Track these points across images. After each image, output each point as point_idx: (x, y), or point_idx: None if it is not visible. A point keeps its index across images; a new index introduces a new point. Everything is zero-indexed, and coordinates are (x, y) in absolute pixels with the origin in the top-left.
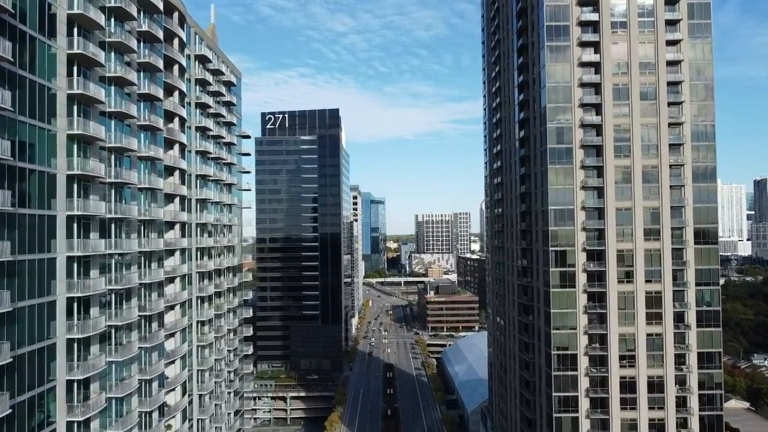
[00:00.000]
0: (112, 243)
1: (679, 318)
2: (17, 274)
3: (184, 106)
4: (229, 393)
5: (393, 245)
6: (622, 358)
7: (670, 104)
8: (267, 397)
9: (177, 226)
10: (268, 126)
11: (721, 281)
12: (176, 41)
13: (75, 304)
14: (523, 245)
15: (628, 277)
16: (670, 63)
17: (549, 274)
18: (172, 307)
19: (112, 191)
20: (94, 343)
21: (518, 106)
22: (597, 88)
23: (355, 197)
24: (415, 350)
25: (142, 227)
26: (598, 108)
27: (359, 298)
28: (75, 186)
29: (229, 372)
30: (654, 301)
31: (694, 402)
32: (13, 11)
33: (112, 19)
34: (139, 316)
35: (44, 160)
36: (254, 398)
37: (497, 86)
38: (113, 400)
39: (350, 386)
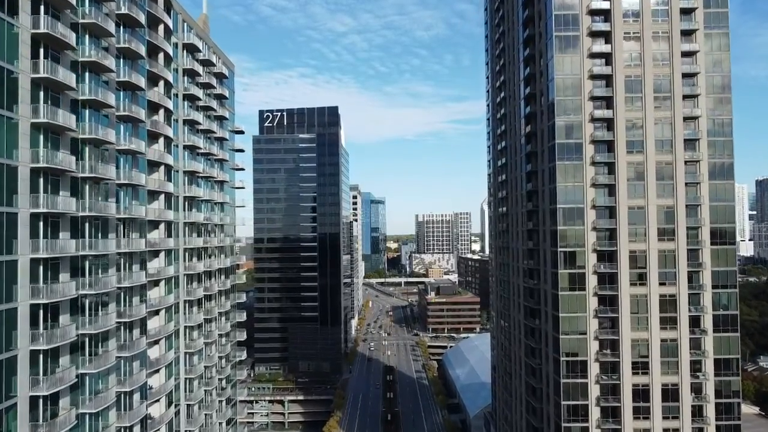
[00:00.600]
0: (86, 243)
1: (694, 322)
2: None
3: (170, 98)
4: (220, 402)
5: (393, 245)
6: (634, 364)
7: (685, 97)
8: (264, 400)
9: (162, 226)
10: (266, 124)
11: None
12: (161, 27)
13: (41, 312)
14: (530, 245)
15: (641, 279)
16: (685, 54)
17: (557, 276)
18: (156, 312)
19: (87, 187)
20: (64, 354)
21: (524, 100)
22: (608, 80)
23: (354, 197)
24: (415, 352)
25: (122, 226)
26: (609, 101)
27: (359, 299)
28: (41, 181)
29: (220, 379)
30: (668, 304)
31: (710, 411)
32: None
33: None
34: (117, 322)
35: (3, 150)
36: (251, 402)
37: (502, 80)
38: (86, 416)
39: (349, 389)
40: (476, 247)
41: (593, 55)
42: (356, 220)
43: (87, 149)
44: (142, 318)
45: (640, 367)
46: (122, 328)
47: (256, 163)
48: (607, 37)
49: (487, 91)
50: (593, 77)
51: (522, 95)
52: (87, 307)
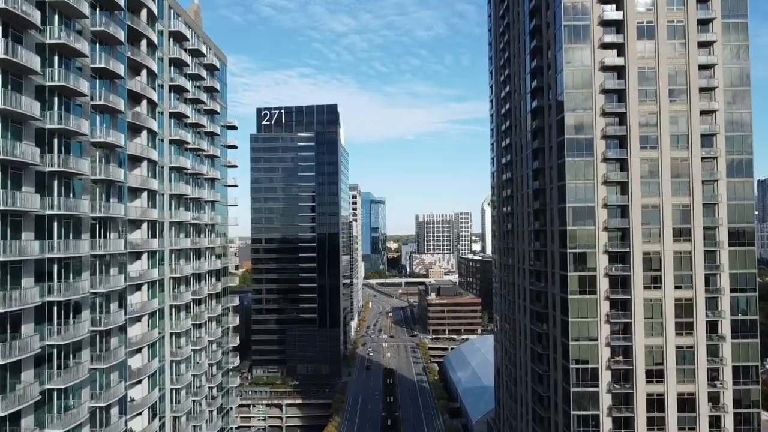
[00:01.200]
0: (53, 245)
1: (712, 328)
2: None
3: (155, 89)
4: (210, 411)
5: (393, 245)
6: (648, 372)
7: (701, 90)
8: (262, 404)
9: (145, 225)
10: (264, 122)
11: None
12: (144, 12)
13: None
14: (537, 246)
15: (655, 282)
16: (701, 44)
17: (566, 279)
18: (138, 319)
19: (55, 182)
20: (27, 369)
21: (530, 94)
22: (620, 72)
23: (354, 197)
24: (416, 354)
25: (97, 226)
26: (621, 94)
27: (359, 300)
28: None
29: (210, 388)
30: (684, 309)
31: (728, 422)
32: None
33: None
34: (91, 331)
35: None
36: (248, 406)
37: (506, 74)
38: None
39: (349, 393)
40: (477, 247)
41: (604, 46)
42: (356, 220)
43: (55, 141)
44: (121, 325)
45: (655, 375)
46: (98, 336)
47: (254, 162)
48: (619, 26)
49: (491, 87)
50: (604, 69)
51: (528, 89)
52: (55, 315)
